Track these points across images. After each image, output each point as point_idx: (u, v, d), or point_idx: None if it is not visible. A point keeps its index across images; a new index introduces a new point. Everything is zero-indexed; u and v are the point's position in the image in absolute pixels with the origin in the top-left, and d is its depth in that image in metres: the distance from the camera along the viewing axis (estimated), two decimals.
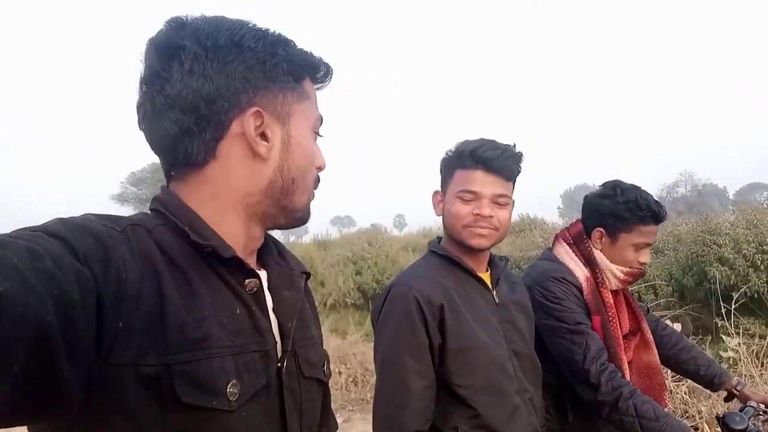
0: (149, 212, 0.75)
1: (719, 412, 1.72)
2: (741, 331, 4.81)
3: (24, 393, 0.48)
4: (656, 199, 1.78)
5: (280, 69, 0.75)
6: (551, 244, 1.92)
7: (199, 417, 0.63)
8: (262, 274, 0.80)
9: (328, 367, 0.89)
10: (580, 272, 1.77)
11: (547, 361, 1.64)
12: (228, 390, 0.64)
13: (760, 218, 6.84)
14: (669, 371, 2.52)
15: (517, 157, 1.46)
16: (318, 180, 0.83)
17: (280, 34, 0.77)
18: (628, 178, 1.87)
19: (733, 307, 4.88)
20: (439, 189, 1.54)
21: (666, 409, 1.67)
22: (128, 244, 0.63)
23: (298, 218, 0.81)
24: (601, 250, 1.80)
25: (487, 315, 1.44)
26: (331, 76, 0.84)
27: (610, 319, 1.75)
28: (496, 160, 1.41)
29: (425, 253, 1.57)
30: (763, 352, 4.46)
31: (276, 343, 0.76)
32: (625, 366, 1.77)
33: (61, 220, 0.62)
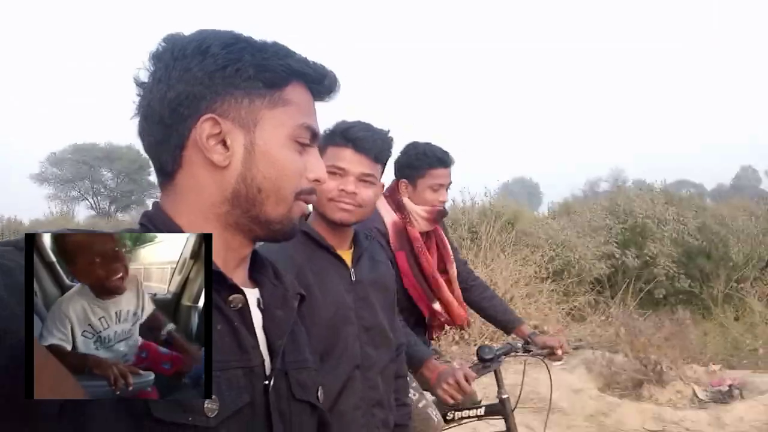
0: (138, 226, 0.75)
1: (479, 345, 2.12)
2: None
3: None
4: (443, 149, 2.22)
5: (244, 74, 0.71)
6: None
7: None
8: (255, 291, 0.79)
9: (323, 395, 0.85)
10: (389, 217, 2.14)
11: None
12: (206, 406, 0.62)
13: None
14: None
15: (388, 141, 1.53)
16: (309, 192, 0.79)
17: (263, 43, 0.74)
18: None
19: None
20: None
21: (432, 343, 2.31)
22: None
23: (276, 230, 0.77)
24: (409, 198, 2.20)
25: (341, 292, 1.47)
26: (335, 88, 0.81)
27: (419, 250, 2.15)
28: (365, 141, 1.48)
29: None
30: None
31: (263, 360, 0.74)
32: (442, 284, 2.19)
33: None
